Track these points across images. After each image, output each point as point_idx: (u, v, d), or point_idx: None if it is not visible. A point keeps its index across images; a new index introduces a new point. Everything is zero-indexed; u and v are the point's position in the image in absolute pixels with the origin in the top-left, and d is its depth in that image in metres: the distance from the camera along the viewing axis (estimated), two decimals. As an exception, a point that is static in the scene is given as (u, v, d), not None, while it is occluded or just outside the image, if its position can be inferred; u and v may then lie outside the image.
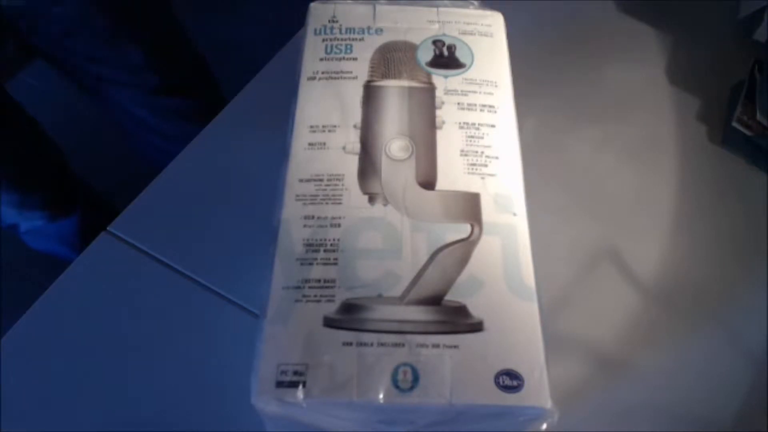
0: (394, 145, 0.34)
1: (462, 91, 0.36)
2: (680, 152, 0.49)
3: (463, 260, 0.30)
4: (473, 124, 0.35)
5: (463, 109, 0.36)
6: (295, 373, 0.27)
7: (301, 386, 0.26)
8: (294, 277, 0.30)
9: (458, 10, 0.40)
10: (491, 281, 0.30)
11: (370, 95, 0.36)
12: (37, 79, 1.19)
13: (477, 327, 0.28)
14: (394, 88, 0.36)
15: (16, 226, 0.87)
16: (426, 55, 0.37)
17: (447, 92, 0.36)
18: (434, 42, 0.38)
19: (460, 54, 0.38)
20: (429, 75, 0.37)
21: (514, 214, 0.32)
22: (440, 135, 0.34)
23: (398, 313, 0.29)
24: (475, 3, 0.41)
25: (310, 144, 0.34)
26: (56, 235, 0.90)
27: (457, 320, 0.29)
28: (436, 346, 0.28)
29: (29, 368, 0.38)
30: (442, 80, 0.36)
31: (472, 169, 0.33)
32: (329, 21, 0.39)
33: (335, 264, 0.30)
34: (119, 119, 0.82)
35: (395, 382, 0.27)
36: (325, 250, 0.30)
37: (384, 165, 0.33)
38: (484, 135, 0.35)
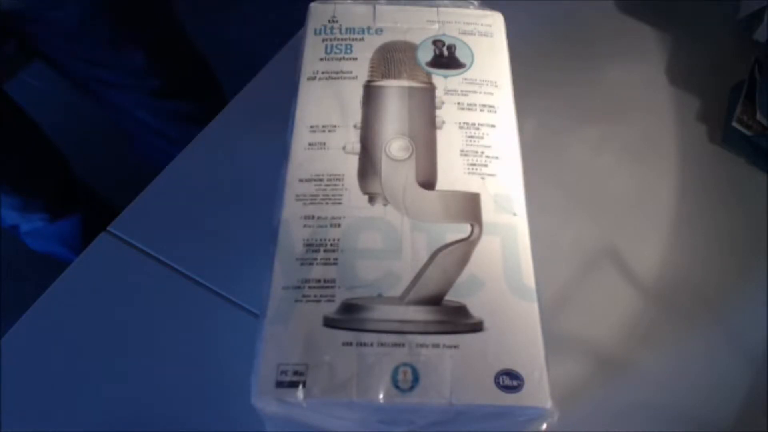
0: (394, 145, 0.34)
1: (462, 91, 0.36)
2: (680, 152, 0.49)
3: (463, 260, 0.30)
4: (473, 124, 0.35)
5: (463, 109, 0.36)
6: (295, 373, 0.27)
7: (301, 386, 0.26)
8: (294, 277, 0.30)
9: (458, 10, 0.40)
10: (491, 281, 0.30)
11: (370, 95, 0.36)
12: (37, 79, 1.19)
13: (477, 327, 0.28)
14: (394, 88, 0.36)
15: (17, 227, 0.87)
16: (426, 55, 0.37)
17: (447, 92, 0.36)
18: (434, 42, 0.38)
19: (460, 54, 0.38)
20: (429, 75, 0.37)
21: (514, 214, 0.32)
22: (440, 135, 0.34)
23: (398, 313, 0.29)
24: (475, 3, 0.41)
25: (310, 144, 0.34)
26: (57, 236, 0.90)
27: (457, 320, 0.29)
28: (436, 346, 0.28)
29: (29, 368, 0.38)
30: (442, 80, 0.36)
31: (472, 169, 0.33)
32: (329, 21, 0.39)
33: (335, 264, 0.30)
34: (121, 122, 0.82)
35: (395, 382, 0.27)
36: (325, 250, 0.30)
37: (384, 165, 0.33)
38: (484, 135, 0.35)
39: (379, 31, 0.38)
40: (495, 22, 0.40)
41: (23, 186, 0.80)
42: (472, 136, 0.34)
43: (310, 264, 0.30)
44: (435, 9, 0.40)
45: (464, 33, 0.39)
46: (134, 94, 0.74)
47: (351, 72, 0.37)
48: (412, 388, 0.27)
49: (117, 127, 0.85)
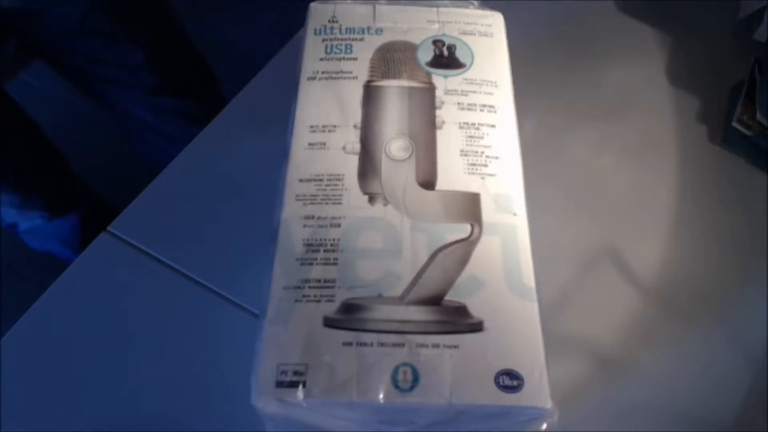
0: (394, 145, 0.34)
1: (462, 91, 0.36)
2: (680, 152, 0.49)
3: (463, 260, 0.30)
4: (473, 124, 0.35)
5: (463, 109, 0.36)
6: (295, 373, 0.27)
7: (301, 386, 0.26)
8: (294, 277, 0.30)
9: (458, 10, 0.40)
10: (491, 281, 0.30)
11: (370, 95, 0.36)
12: (37, 79, 1.19)
13: (477, 327, 0.28)
14: (394, 88, 0.36)
15: (16, 225, 0.87)
16: (426, 55, 0.37)
17: (447, 92, 0.36)
18: (434, 42, 0.38)
19: (460, 54, 0.38)
20: (429, 75, 0.37)
21: (514, 214, 0.32)
22: (440, 135, 0.34)
23: (398, 313, 0.29)
24: (475, 3, 0.41)
25: (310, 144, 0.34)
26: (55, 234, 0.90)
27: (457, 320, 0.29)
28: (436, 346, 0.28)
29: (29, 368, 0.38)
30: (442, 80, 0.36)
31: (472, 169, 0.33)
32: (329, 21, 0.39)
33: (335, 264, 0.30)
34: (119, 120, 0.82)
35: (395, 382, 0.27)
36: (325, 250, 0.30)
37: (384, 165, 0.33)
38: (484, 135, 0.35)
39: (379, 31, 0.38)
40: (495, 22, 0.40)
41: (22, 184, 0.80)
42: (472, 136, 0.35)
43: (310, 264, 0.30)
44: (435, 9, 0.40)
45: (464, 33, 0.39)
46: (134, 92, 0.74)
47: (351, 72, 0.37)
48: (412, 388, 0.27)
49: (117, 126, 0.85)
